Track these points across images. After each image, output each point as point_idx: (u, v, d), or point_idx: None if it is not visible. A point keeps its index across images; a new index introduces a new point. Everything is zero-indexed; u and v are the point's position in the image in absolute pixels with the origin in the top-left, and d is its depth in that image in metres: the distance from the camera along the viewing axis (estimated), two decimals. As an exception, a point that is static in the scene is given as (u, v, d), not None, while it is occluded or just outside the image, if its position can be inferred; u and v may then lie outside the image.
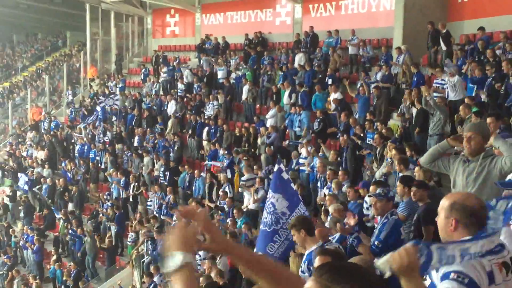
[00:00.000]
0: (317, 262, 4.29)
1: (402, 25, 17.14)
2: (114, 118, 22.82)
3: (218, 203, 14.79)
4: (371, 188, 7.62)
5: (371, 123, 13.15)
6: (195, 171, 16.71)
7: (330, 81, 16.78)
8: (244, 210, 13.54)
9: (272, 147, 15.84)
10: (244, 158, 15.55)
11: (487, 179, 4.99)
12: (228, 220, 13.22)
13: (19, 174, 22.15)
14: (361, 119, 14.45)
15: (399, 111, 13.73)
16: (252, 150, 16.73)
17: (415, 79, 14.05)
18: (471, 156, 5.04)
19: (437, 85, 13.11)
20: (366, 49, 17.92)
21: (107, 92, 25.10)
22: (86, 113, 24.35)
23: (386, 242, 5.90)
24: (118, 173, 18.71)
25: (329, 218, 8.00)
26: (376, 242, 6.08)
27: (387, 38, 18.29)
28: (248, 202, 13.92)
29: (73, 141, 23.17)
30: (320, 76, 17.50)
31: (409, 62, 14.89)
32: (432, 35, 15.64)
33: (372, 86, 15.21)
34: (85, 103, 25.68)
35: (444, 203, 3.00)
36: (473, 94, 11.81)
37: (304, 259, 5.69)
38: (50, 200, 20.52)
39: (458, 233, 2.90)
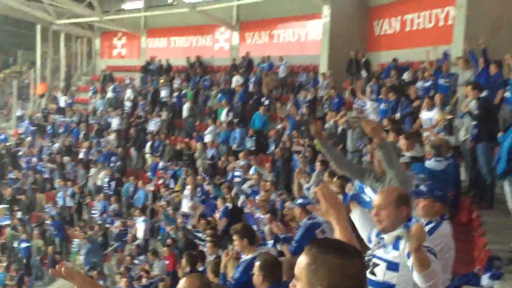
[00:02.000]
0: (255, 266, 4.31)
1: (328, 53, 17.65)
2: (61, 130, 22.29)
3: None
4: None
5: (299, 140, 13.45)
6: (139, 182, 16.53)
7: (266, 102, 17.10)
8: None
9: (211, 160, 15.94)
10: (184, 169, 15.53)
11: None
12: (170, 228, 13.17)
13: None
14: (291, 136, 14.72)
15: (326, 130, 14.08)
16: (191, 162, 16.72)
17: (337, 101, 14.47)
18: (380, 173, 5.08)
19: (358, 107, 13.56)
20: (301, 75, 18.33)
21: (55, 107, 24.47)
22: (35, 127, 23.64)
23: (300, 243, 6.00)
24: (66, 183, 18.27)
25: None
26: (293, 242, 6.23)
27: (314, 65, 18.75)
28: (186, 209, 13.86)
29: (20, 153, 22.39)
30: (255, 97, 17.79)
31: (332, 86, 15.30)
32: (353, 63, 16.18)
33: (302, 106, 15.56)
34: (35, 118, 24.91)
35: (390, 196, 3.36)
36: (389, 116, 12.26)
37: (239, 264, 5.58)
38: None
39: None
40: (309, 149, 12.23)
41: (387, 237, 3.34)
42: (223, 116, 17.50)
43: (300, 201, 6.42)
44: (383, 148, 4.33)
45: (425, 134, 9.37)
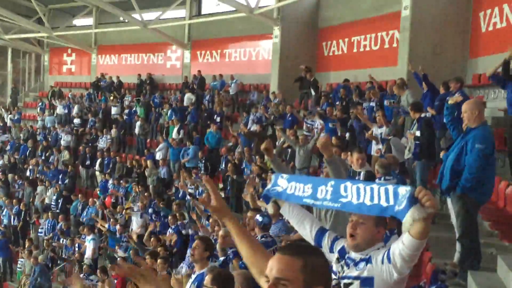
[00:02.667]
0: (207, 279, 4.24)
1: (278, 72, 17.87)
2: (8, 148, 21.57)
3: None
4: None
5: (250, 157, 13.49)
6: (89, 199, 16.10)
7: (218, 119, 17.09)
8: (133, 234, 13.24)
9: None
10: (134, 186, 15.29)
11: (338, 214, 5.08)
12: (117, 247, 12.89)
13: None
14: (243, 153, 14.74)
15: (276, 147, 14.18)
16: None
17: (289, 119, 14.60)
18: None
19: (308, 125, 13.73)
20: (252, 94, 18.43)
21: (1, 124, 23.70)
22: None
23: None
24: (13, 201, 17.62)
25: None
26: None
27: (264, 84, 18.92)
28: (136, 226, 13.62)
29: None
30: (206, 114, 17.76)
31: (285, 104, 15.45)
32: (304, 81, 16.41)
33: (254, 125, 15.64)
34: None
35: None
36: (338, 133, 12.46)
37: (193, 279, 5.35)
38: None
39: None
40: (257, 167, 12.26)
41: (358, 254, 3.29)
42: (174, 133, 17.37)
43: (258, 218, 6.35)
44: (331, 164, 4.43)
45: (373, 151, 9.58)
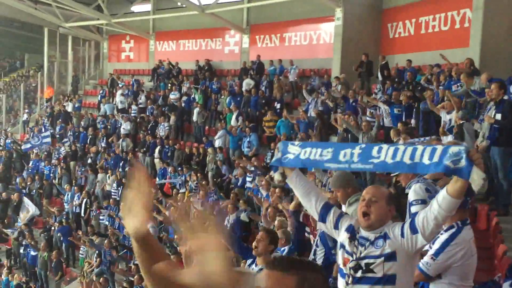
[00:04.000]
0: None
1: (340, 57, 17.65)
2: (70, 134, 22.41)
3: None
4: None
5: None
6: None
7: (278, 106, 17.13)
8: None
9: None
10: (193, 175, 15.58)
11: None
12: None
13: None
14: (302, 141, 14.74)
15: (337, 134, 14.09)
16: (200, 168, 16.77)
17: (350, 105, 14.45)
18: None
19: (372, 111, 13.53)
20: (313, 79, 18.29)
21: (62, 111, 24.63)
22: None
23: None
24: (73, 188, 18.34)
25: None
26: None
27: (326, 68, 18.74)
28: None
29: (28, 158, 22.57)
30: (264, 101, 17.82)
31: (345, 91, 15.28)
32: (364, 66, 16.17)
33: (312, 110, 15.55)
34: (41, 122, 25.09)
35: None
36: (403, 120, 12.20)
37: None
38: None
39: None
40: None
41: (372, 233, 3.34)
42: (233, 120, 17.51)
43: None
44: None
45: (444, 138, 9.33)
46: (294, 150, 3.74)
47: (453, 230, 3.97)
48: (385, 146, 3.28)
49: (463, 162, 2.92)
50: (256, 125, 17.40)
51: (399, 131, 10.86)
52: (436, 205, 3.12)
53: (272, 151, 14.85)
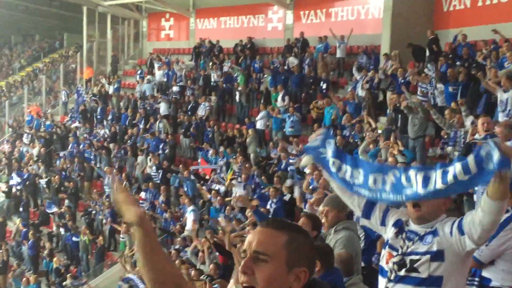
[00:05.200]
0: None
1: (390, 32, 17.25)
2: (109, 117, 22.80)
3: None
4: None
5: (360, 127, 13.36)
6: (185, 172, 16.64)
7: (324, 86, 16.94)
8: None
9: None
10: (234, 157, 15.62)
11: None
12: (220, 216, 13.27)
13: (14, 172, 22.07)
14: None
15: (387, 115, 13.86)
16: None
17: (402, 83, 14.15)
18: (327, 229, 4.93)
19: (423, 89, 13.24)
20: (361, 56, 17.96)
21: (103, 92, 25.05)
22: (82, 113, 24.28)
23: None
24: (113, 171, 18.66)
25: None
26: None
27: (375, 45, 18.37)
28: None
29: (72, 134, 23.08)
30: (310, 80, 17.63)
31: (396, 68, 14.96)
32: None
33: (360, 90, 15.33)
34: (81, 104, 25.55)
35: None
36: (458, 98, 11.88)
37: None
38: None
39: None
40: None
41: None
42: (279, 101, 17.38)
43: None
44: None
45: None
46: (328, 151, 3.52)
47: (508, 214, 3.81)
48: (412, 173, 3.06)
49: (497, 156, 2.75)
50: (300, 105, 17.27)
51: (456, 110, 10.62)
52: (480, 209, 2.92)
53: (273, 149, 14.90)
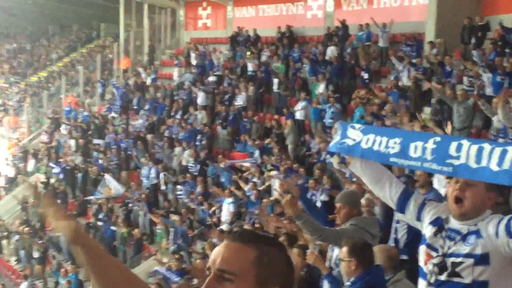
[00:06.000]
0: (343, 252, 4.17)
1: (435, 19, 16.93)
2: (147, 107, 23.04)
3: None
4: None
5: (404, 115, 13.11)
6: (222, 163, 16.73)
7: (366, 76, 16.76)
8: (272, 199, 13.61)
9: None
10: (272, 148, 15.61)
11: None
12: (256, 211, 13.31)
13: (53, 163, 22.62)
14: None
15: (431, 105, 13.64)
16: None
17: (448, 72, 13.91)
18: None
19: (469, 79, 12.98)
20: (405, 45, 17.68)
21: (139, 83, 25.35)
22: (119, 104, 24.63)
23: None
24: (150, 162, 18.89)
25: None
26: None
27: (419, 32, 18.05)
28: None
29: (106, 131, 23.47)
30: (350, 69, 17.48)
31: (442, 56, 14.71)
32: (468, 29, 15.44)
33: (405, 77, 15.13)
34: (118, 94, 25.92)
35: None
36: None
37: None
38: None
39: None
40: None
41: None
42: (321, 90, 17.27)
43: None
44: (300, 219, 4.48)
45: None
46: (354, 135, 3.36)
47: None
48: (465, 143, 2.83)
49: None
50: (341, 96, 17.13)
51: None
52: None
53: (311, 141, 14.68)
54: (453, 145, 2.86)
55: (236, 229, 1.79)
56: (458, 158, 2.82)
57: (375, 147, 3.23)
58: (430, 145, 2.97)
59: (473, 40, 15.30)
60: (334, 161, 4.04)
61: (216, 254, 1.56)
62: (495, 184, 2.92)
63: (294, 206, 4.43)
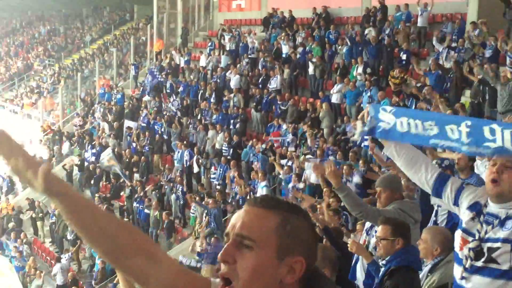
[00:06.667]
0: (382, 231, 4.16)
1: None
2: (181, 89, 23.20)
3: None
4: None
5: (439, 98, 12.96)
6: (256, 147, 16.78)
7: (404, 57, 16.54)
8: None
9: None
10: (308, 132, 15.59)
11: None
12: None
13: (86, 145, 23.05)
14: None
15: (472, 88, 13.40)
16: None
17: (490, 52, 13.62)
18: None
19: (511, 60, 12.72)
20: (445, 25, 17.35)
21: (173, 65, 25.51)
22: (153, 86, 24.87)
23: None
24: (183, 145, 19.07)
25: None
26: None
27: (460, 13, 17.69)
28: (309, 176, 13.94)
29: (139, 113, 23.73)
30: (388, 51, 17.27)
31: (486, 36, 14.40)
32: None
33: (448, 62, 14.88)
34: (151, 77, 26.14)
35: None
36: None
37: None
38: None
39: None
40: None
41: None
42: (357, 73, 17.12)
43: None
44: (342, 192, 4.45)
45: None
46: (387, 118, 3.32)
47: None
48: (497, 128, 2.85)
49: None
50: (378, 78, 16.96)
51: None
52: None
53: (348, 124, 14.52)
54: (486, 129, 2.89)
55: (260, 196, 1.66)
56: (494, 141, 2.85)
57: (413, 130, 3.21)
58: (464, 128, 2.98)
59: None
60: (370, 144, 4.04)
61: (236, 219, 1.48)
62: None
63: (337, 177, 4.42)
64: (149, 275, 1.59)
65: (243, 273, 1.42)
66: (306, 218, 1.50)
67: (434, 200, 3.54)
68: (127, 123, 23.12)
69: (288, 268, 1.43)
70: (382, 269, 3.95)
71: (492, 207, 3.00)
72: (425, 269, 4.15)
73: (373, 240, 4.78)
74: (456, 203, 3.19)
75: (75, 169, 22.78)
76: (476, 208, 3.07)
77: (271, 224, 1.43)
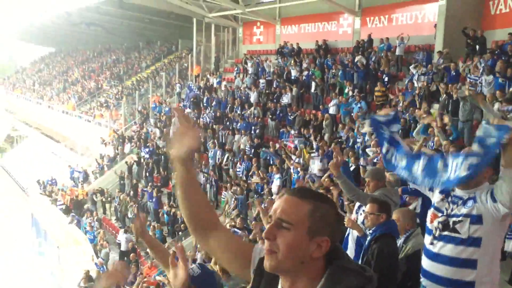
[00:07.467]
0: (371, 207, 4.16)
1: (443, 33, 16.47)
2: (214, 103, 23.35)
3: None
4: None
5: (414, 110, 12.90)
6: (271, 148, 16.82)
7: (386, 79, 16.52)
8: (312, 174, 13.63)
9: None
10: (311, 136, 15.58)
11: None
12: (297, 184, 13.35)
13: (143, 146, 23.23)
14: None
15: (439, 102, 13.32)
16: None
17: (453, 75, 13.54)
18: None
19: (471, 80, 12.61)
20: (417, 54, 17.28)
21: (208, 85, 25.65)
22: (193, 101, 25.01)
23: None
24: (215, 146, 19.20)
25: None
26: None
27: (429, 44, 17.60)
28: (316, 169, 13.93)
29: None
30: (374, 73, 17.25)
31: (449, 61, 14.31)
32: (472, 40, 14.97)
33: (418, 82, 14.79)
34: (191, 94, 26.30)
35: None
36: (506, 90, 11.21)
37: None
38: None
39: None
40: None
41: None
42: (349, 91, 17.15)
43: None
44: (340, 179, 4.40)
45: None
46: (386, 131, 3.34)
47: None
48: (450, 161, 2.87)
49: (493, 129, 2.54)
50: (365, 95, 16.94)
51: (495, 97, 10.04)
52: (501, 179, 2.73)
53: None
54: (440, 162, 2.92)
55: (295, 187, 1.66)
56: (445, 172, 2.89)
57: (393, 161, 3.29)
58: (421, 163, 3.03)
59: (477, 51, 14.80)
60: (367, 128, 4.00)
61: (277, 205, 1.49)
62: (493, 163, 2.94)
63: (337, 168, 4.45)
64: (209, 236, 1.76)
65: (282, 247, 1.44)
66: (332, 205, 1.50)
67: (412, 185, 3.62)
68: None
69: (316, 245, 1.45)
70: (369, 237, 3.99)
71: (458, 192, 3.07)
72: (400, 241, 4.19)
73: (360, 218, 4.82)
74: (431, 189, 3.27)
75: (134, 164, 23.05)
76: (446, 191, 3.14)
77: (305, 210, 1.45)
